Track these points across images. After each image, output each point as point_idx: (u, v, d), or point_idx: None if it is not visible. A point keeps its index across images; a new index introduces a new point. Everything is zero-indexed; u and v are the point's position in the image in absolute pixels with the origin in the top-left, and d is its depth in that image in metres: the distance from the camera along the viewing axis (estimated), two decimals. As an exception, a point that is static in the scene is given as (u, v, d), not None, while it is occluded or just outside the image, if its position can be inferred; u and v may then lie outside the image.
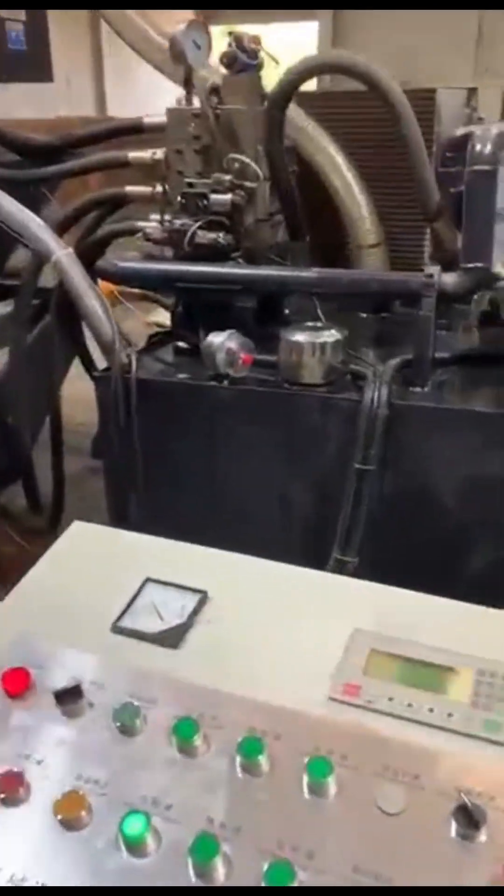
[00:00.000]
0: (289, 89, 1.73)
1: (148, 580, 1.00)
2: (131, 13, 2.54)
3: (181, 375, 1.87)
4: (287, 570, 1.03)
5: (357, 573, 1.65)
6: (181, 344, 2.05)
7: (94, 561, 1.07)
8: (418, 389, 1.72)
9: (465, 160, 2.01)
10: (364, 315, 2.18)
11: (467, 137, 1.94)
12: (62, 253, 1.82)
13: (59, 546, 1.09)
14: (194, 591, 0.98)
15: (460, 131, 1.98)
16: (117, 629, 0.95)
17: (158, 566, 1.03)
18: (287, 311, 2.11)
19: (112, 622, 0.95)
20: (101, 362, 2.03)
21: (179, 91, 1.96)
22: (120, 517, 1.97)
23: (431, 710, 0.81)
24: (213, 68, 1.97)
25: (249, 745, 0.78)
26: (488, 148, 1.58)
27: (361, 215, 2.26)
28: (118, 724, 0.82)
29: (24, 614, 0.99)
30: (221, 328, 1.84)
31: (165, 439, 1.86)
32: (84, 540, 1.11)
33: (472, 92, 2.30)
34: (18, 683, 0.87)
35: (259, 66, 1.87)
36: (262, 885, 0.67)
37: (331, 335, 1.70)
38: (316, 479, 1.76)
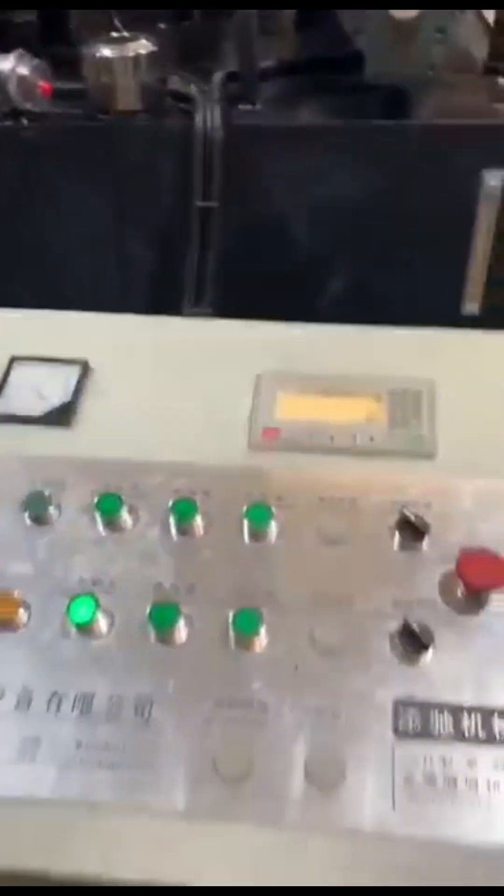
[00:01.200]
0: None
1: (14, 359, 0.87)
2: None
3: (-32, 117, 1.54)
4: (168, 322, 0.94)
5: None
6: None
7: None
8: (249, 107, 1.54)
9: None
10: (163, 26, 1.87)
11: None
12: None
13: None
14: (72, 362, 0.87)
15: None
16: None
17: (17, 342, 0.89)
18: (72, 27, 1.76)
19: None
20: None
21: None
22: None
23: (354, 438, 0.80)
24: None
25: (181, 507, 0.74)
26: None
27: None
28: (29, 514, 0.75)
29: None
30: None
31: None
32: None
33: None
34: None
35: None
36: (231, 634, 0.66)
37: (143, 46, 1.44)
38: (152, 227, 1.58)
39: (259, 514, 0.73)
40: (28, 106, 1.48)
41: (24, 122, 1.50)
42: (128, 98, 1.48)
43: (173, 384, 0.86)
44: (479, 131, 1.47)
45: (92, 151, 1.53)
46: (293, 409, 0.82)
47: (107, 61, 1.44)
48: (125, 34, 1.51)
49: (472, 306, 1.57)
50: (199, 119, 1.45)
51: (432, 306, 1.58)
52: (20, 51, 1.46)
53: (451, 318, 1.60)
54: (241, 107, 1.55)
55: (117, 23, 1.62)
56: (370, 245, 1.62)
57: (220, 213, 1.53)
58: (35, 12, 1.59)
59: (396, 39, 1.43)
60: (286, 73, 1.68)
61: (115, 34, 1.52)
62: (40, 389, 0.84)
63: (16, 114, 1.50)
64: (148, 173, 1.55)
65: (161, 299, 1.68)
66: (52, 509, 0.75)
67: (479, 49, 1.64)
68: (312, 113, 1.60)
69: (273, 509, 0.73)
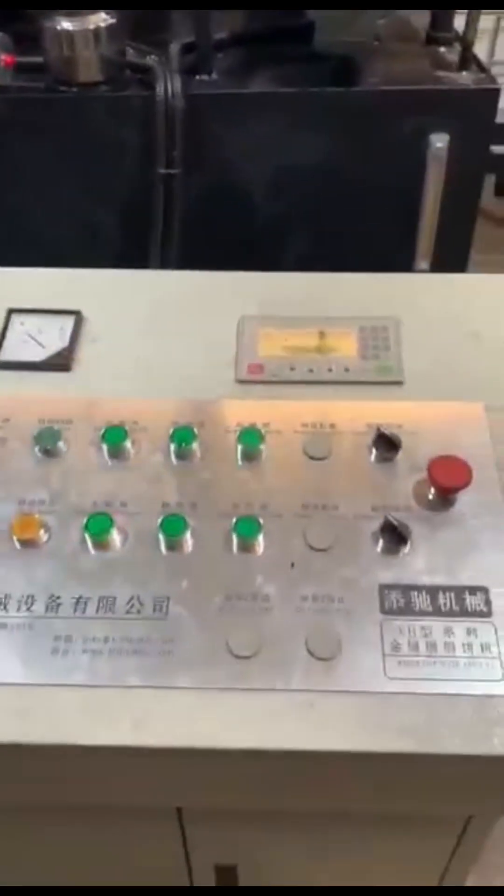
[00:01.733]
0: None
1: (11, 311, 0.93)
2: None
3: None
4: (154, 275, 1.01)
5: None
6: None
7: None
8: (206, 77, 1.60)
9: None
10: None
11: None
12: None
13: None
14: (66, 312, 0.93)
15: None
16: (0, 365, 0.89)
17: (15, 295, 0.95)
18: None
19: (-10, 375, 0.89)
20: None
21: None
22: None
23: (330, 370, 0.89)
24: None
25: (180, 434, 0.81)
26: None
27: None
28: (41, 448, 0.81)
29: None
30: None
31: None
32: None
33: None
34: None
35: None
36: (233, 541, 0.75)
37: (102, 18, 1.48)
38: (116, 193, 1.64)
39: (250, 438, 0.81)
40: (-9, 79, 1.52)
41: (-13, 94, 1.54)
42: (89, 70, 1.53)
43: (163, 331, 0.93)
44: (424, 96, 1.56)
45: (55, 123, 1.57)
46: (274, 347, 0.91)
47: (68, 34, 1.48)
48: (81, 9, 1.56)
49: (423, 263, 1.67)
50: (159, 89, 1.50)
51: (385, 265, 1.68)
52: (-18, 25, 1.50)
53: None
54: (198, 77, 1.61)
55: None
56: (325, 207, 1.70)
57: (181, 180, 1.60)
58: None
59: (344, 11, 1.51)
60: (240, 44, 1.75)
61: (74, 9, 1.56)
62: (38, 338, 0.91)
63: (-23, 87, 1.54)
64: (110, 143, 1.60)
65: (127, 264, 1.73)
66: (61, 443, 0.82)
67: (421, 20, 1.73)
68: (266, 82, 1.66)
69: (262, 433, 0.81)
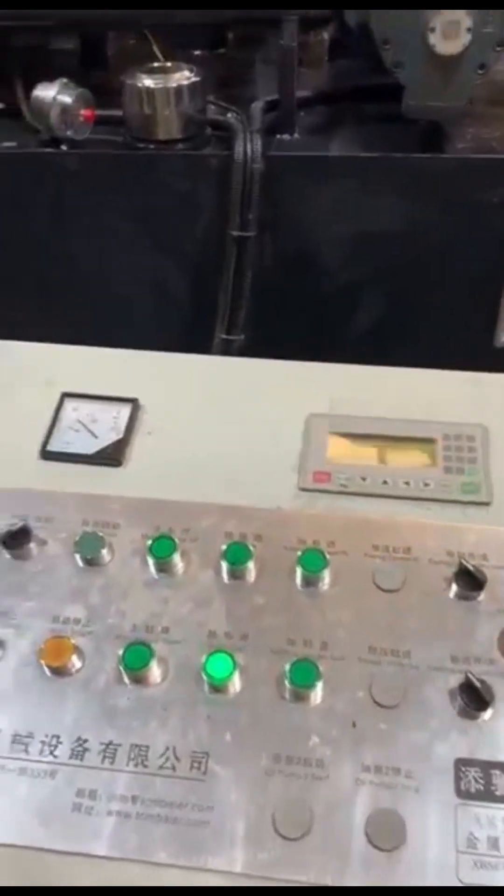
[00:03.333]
0: None
1: (65, 396, 0.87)
2: None
3: (6, 144, 1.55)
4: (216, 362, 0.94)
5: (244, 351, 1.59)
6: (-8, 103, 1.69)
7: (-9, 382, 0.91)
8: (287, 137, 1.55)
9: None
10: (197, 52, 1.89)
11: None
12: None
13: None
14: (123, 399, 0.87)
15: None
16: (48, 455, 0.83)
17: (69, 378, 0.90)
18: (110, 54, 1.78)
19: (39, 448, 0.83)
20: None
21: None
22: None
23: (407, 483, 0.79)
24: None
25: (235, 552, 0.73)
26: None
27: None
28: (82, 556, 0.74)
29: None
30: (41, 78, 1.52)
31: (3, 222, 1.59)
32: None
33: None
34: None
35: None
36: (287, 687, 0.65)
37: (185, 77, 1.45)
38: (188, 253, 1.59)
39: (312, 561, 0.72)
40: (69, 133, 1.50)
41: (64, 148, 1.52)
42: (168, 127, 1.49)
43: (223, 424, 0.86)
44: (514, 166, 1.47)
45: (130, 179, 1.53)
46: (344, 452, 0.82)
47: (149, 91, 1.45)
48: (167, 64, 1.53)
49: (504, 338, 1.57)
50: (238, 150, 1.45)
51: (463, 338, 1.58)
52: (64, 80, 1.47)
53: (482, 350, 1.60)
54: (279, 136, 1.56)
55: (157, 51, 1.64)
56: (403, 275, 1.62)
57: (255, 242, 1.54)
58: (77, 40, 1.61)
59: (437, 74, 1.43)
60: (323, 103, 1.69)
61: (156, 64, 1.53)
62: (92, 427, 0.84)
63: (56, 141, 1.52)
64: (184, 201, 1.55)
65: (194, 325, 1.69)
66: (104, 551, 0.74)
67: (517, 83, 1.65)
68: (349, 143, 1.60)
69: (326, 555, 0.72)
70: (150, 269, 1.61)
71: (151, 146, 1.49)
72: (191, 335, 1.66)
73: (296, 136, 1.55)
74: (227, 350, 1.62)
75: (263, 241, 1.52)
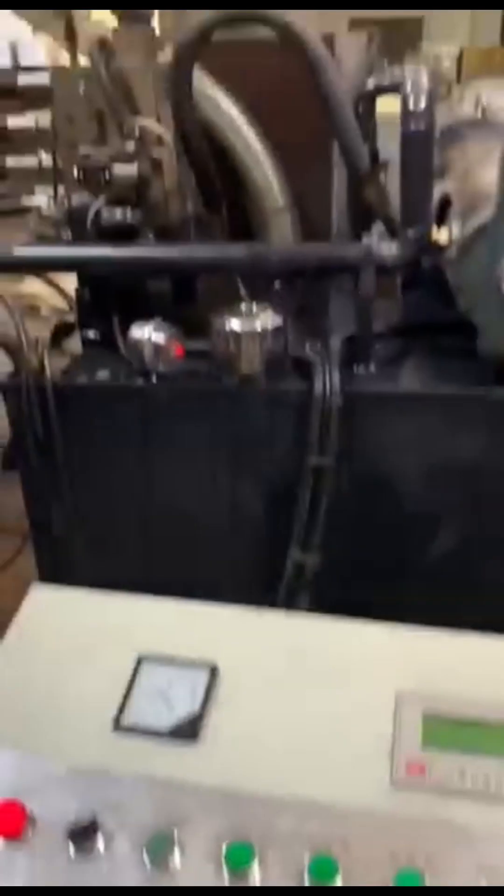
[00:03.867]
0: (200, 39, 1.52)
1: (142, 659, 0.84)
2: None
3: (101, 374, 1.66)
4: (298, 623, 0.90)
5: (318, 577, 1.56)
6: (90, 334, 1.83)
7: (69, 637, 0.89)
8: (363, 370, 1.61)
9: (376, 113, 1.91)
10: (278, 286, 2.03)
11: (379, 90, 1.81)
12: None
13: (20, 623, 0.91)
14: (201, 665, 0.83)
15: (371, 82, 1.84)
16: (120, 728, 0.79)
17: (148, 635, 0.87)
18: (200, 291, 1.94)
19: (112, 718, 0.79)
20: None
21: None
22: (43, 530, 1.77)
23: (513, 783, 0.71)
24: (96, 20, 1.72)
25: (320, 867, 0.66)
26: (422, 103, 1.45)
27: (266, 178, 2.10)
28: (151, 858, 0.68)
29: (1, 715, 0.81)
30: (134, 313, 1.65)
31: (90, 447, 1.66)
32: (50, 609, 0.93)
33: (371, 37, 2.16)
34: (13, 823, 0.70)
35: (150, 16, 1.64)
36: None
37: (271, 320, 1.54)
38: (265, 478, 1.62)
39: (409, 881, 0.64)
40: (160, 367, 1.59)
41: (154, 380, 1.61)
42: (251, 364, 1.56)
43: (307, 698, 0.80)
44: None
45: (215, 410, 1.60)
46: (441, 739, 0.75)
47: (235, 333, 1.55)
48: (252, 305, 1.63)
49: None
50: (317, 385, 1.50)
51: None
52: (158, 320, 1.59)
53: None
54: (356, 369, 1.62)
55: (242, 290, 1.77)
56: (481, 509, 1.59)
57: (332, 471, 1.55)
58: (169, 282, 1.76)
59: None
60: (397, 335, 1.77)
61: (242, 305, 1.64)
62: (168, 695, 0.81)
63: (147, 373, 1.61)
64: (265, 431, 1.60)
65: (270, 546, 1.69)
66: (175, 854, 0.68)
67: None
68: (424, 376, 1.65)
69: (425, 877, 0.64)
70: (229, 492, 1.64)
71: (235, 380, 1.56)
72: (264, 555, 1.65)
73: (372, 368, 1.61)
74: (301, 571, 1.60)
75: (341, 470, 1.53)
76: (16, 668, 0.85)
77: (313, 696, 0.81)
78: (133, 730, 0.78)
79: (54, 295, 3.44)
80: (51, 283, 2.77)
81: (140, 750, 0.77)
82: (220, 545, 1.70)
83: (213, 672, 0.83)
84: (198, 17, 1.53)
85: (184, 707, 0.80)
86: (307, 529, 1.57)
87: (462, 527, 1.55)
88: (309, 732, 0.77)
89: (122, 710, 0.80)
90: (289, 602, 1.65)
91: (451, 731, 0.76)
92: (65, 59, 1.72)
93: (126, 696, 0.81)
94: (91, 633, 0.88)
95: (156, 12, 1.66)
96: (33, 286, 3.60)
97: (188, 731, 0.78)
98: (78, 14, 1.62)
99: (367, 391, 1.52)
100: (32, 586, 0.94)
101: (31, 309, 4.61)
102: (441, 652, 0.84)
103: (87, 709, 0.80)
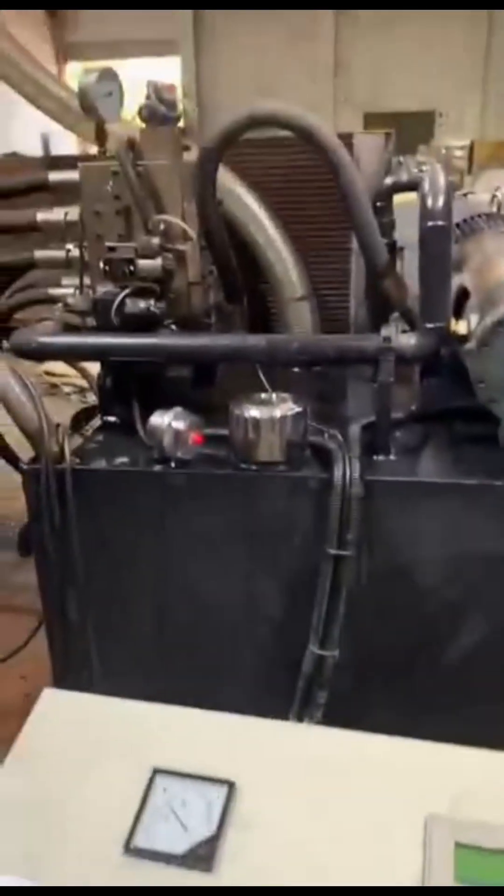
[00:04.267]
0: (224, 142, 1.58)
1: (156, 772, 0.81)
2: (16, 53, 2.32)
3: (121, 460, 1.66)
4: (319, 736, 0.87)
5: (337, 670, 1.52)
6: (110, 419, 1.85)
7: (81, 746, 0.86)
8: (382, 457, 1.60)
9: (394, 210, 1.96)
10: (297, 371, 2.05)
11: (397, 188, 1.87)
12: (-28, 334, 1.59)
13: (30, 731, 0.88)
14: (218, 781, 0.79)
15: (389, 181, 1.90)
16: (132, 850, 0.75)
17: (163, 746, 0.84)
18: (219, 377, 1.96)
19: (123, 838, 0.75)
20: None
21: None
22: (57, 614, 1.74)
23: (552, 926, 0.66)
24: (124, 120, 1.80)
25: None
26: (440, 201, 1.49)
27: (286, 268, 2.17)
28: None
29: (5, 835, 0.77)
30: (154, 399, 1.66)
31: (107, 531, 1.65)
32: (61, 716, 0.90)
33: (388, 136, 2.24)
34: None
35: (178, 118, 1.72)
36: None
37: (290, 409, 1.54)
38: (283, 566, 1.59)
39: None
40: (178, 454, 1.59)
41: (173, 465, 1.61)
42: (270, 452, 1.55)
43: (329, 820, 0.76)
44: None
45: (232, 497, 1.58)
46: (475, 870, 0.70)
47: (255, 421, 1.55)
48: (272, 395, 1.64)
49: None
50: (337, 474, 1.49)
51: None
52: (179, 409, 1.59)
53: None
54: (376, 457, 1.61)
55: (263, 379, 1.78)
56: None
57: (352, 561, 1.52)
58: (190, 368, 1.78)
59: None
60: (418, 422, 1.77)
61: (262, 395, 1.65)
62: (182, 814, 0.77)
63: (165, 458, 1.61)
64: (283, 518, 1.57)
65: (286, 637, 1.64)
66: None
67: None
68: (444, 463, 1.63)
69: None
70: (245, 580, 1.61)
71: (254, 467, 1.56)
72: (281, 646, 1.61)
73: (391, 456, 1.60)
74: (320, 665, 1.55)
75: (360, 560, 1.51)
76: (25, 779, 0.81)
77: (336, 818, 0.76)
78: (144, 854, 0.74)
79: (74, 372, 3.49)
80: (73, 365, 2.82)
81: (149, 875, 0.72)
82: (235, 634, 1.65)
83: (231, 789, 0.79)
84: (221, 121, 1.60)
85: (199, 827, 0.76)
86: (326, 622, 1.53)
87: (485, 619, 1.50)
88: (332, 860, 0.73)
89: (133, 829, 0.76)
90: (306, 696, 1.60)
91: (485, 862, 0.71)
92: (94, 150, 1.79)
93: (139, 814, 0.77)
94: (104, 742, 0.85)
95: (181, 115, 1.72)
96: (56, 366, 3.66)
97: (203, 858, 0.74)
98: (107, 115, 1.69)
99: (387, 480, 1.51)
100: (44, 692, 0.91)
101: (52, 387, 4.69)
102: (471, 771, 0.80)
103: (97, 826, 0.76)
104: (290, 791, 0.79)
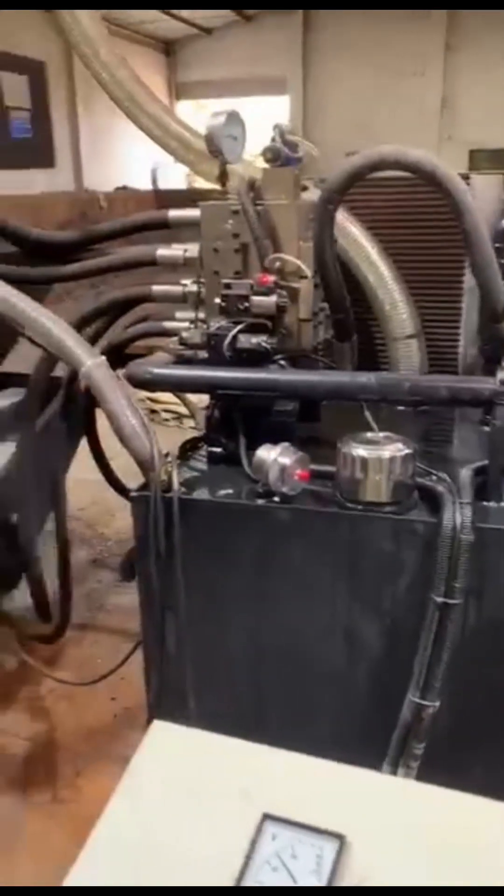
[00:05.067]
0: (347, 184, 1.60)
1: (266, 818, 0.80)
2: (144, 95, 2.42)
3: (225, 492, 1.68)
4: (430, 796, 0.83)
5: (437, 721, 1.47)
6: (215, 450, 1.87)
7: (189, 782, 0.86)
8: (494, 504, 1.55)
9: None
10: (403, 409, 2.03)
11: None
12: (93, 363, 1.64)
13: (139, 764, 0.88)
14: (328, 834, 0.78)
15: (505, 222, 1.88)
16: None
17: (270, 791, 0.83)
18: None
19: (232, 886, 0.74)
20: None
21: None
22: (155, 644, 1.76)
23: None
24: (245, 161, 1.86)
25: None
26: None
27: (396, 306, 2.15)
28: None
29: (111, 873, 0.77)
30: (259, 433, 1.68)
31: (208, 563, 1.67)
32: (170, 749, 0.90)
33: (505, 178, 2.22)
34: None
35: (300, 159, 1.75)
36: None
37: (399, 449, 1.52)
38: (385, 610, 1.56)
39: None
40: (283, 489, 1.59)
41: (276, 500, 1.61)
42: (377, 491, 1.54)
43: (441, 884, 0.73)
44: None
45: (337, 536, 1.57)
46: None
47: (363, 460, 1.54)
48: (380, 435, 1.62)
49: None
50: (446, 519, 1.46)
51: None
52: (286, 444, 1.60)
53: None
54: (487, 502, 1.56)
55: (370, 418, 1.76)
56: None
57: (459, 611, 1.48)
58: (296, 403, 1.79)
59: None
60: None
61: (369, 434, 1.64)
62: (290, 865, 0.75)
63: (269, 494, 1.62)
64: (388, 562, 1.55)
65: (384, 683, 1.60)
66: None
67: None
68: None
69: None
70: (345, 621, 1.59)
71: (360, 507, 1.54)
72: (378, 691, 1.57)
73: (502, 503, 1.55)
74: (419, 714, 1.50)
75: (468, 609, 1.46)
76: (133, 816, 0.82)
77: (449, 882, 0.73)
78: (253, 901, 0.73)
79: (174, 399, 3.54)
80: (176, 395, 2.89)
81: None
82: (331, 676, 1.63)
83: (343, 844, 0.77)
84: (342, 162, 1.62)
85: (309, 880, 0.74)
86: (428, 670, 1.48)
87: None
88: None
89: (242, 876, 0.75)
90: (402, 745, 1.55)
91: None
92: (200, 183, 1.86)
93: (247, 861, 0.76)
94: (212, 781, 0.84)
95: (302, 158, 1.75)
96: (159, 394, 3.74)
97: (313, 910, 0.72)
98: (231, 157, 1.74)
99: (500, 528, 1.46)
100: (154, 724, 0.92)
101: (151, 412, 4.83)
102: None
103: (204, 870, 0.76)
104: (403, 850, 0.77)
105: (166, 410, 5.09)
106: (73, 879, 0.76)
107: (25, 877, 1.85)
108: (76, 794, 2.13)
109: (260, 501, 1.61)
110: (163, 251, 1.90)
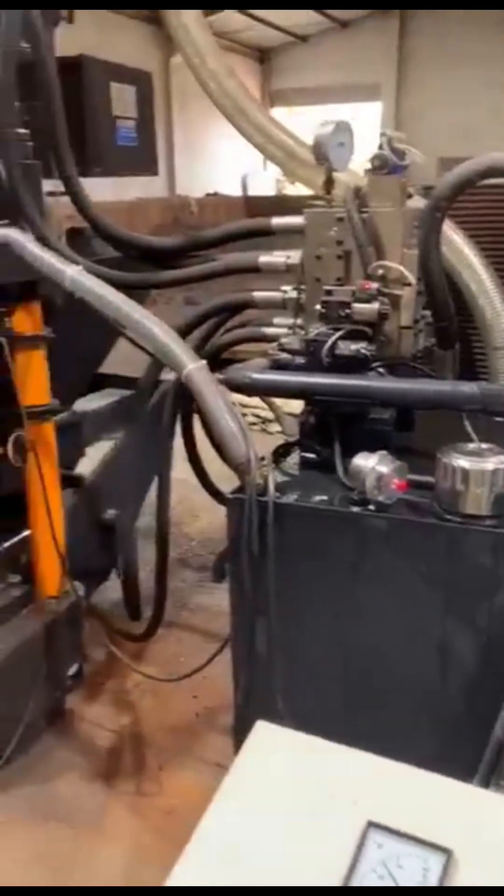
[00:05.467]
0: (456, 191, 1.58)
1: (371, 826, 0.80)
2: (251, 105, 2.45)
3: (319, 498, 1.68)
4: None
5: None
6: (308, 455, 1.88)
7: (292, 786, 0.87)
8: None
9: None
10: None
11: None
12: (194, 367, 1.68)
13: (243, 763, 0.90)
14: (434, 847, 0.77)
15: None
16: (346, 903, 0.74)
17: (374, 799, 0.83)
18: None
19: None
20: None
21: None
22: (244, 645, 1.78)
23: None
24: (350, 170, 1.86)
25: None
26: None
27: (498, 315, 2.11)
28: None
29: (216, 873, 0.78)
30: (354, 440, 1.67)
31: (300, 567, 1.67)
32: (272, 752, 0.91)
33: None
34: None
35: (406, 167, 1.74)
36: None
37: (502, 461, 1.49)
38: (480, 623, 1.53)
39: None
40: (380, 497, 1.58)
41: (371, 509, 1.60)
42: (477, 504, 1.51)
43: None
44: None
45: (433, 547, 1.55)
46: None
47: (464, 471, 1.51)
48: (482, 446, 1.59)
49: None
50: (548, 536, 1.42)
51: None
52: (384, 452, 1.59)
53: None
54: None
55: (469, 428, 1.72)
56: None
57: None
58: (393, 410, 1.77)
59: None
60: None
61: (471, 445, 1.60)
62: (396, 874, 0.75)
63: (364, 502, 1.61)
64: (485, 575, 1.52)
65: (478, 699, 1.57)
66: None
67: None
68: None
69: None
70: (440, 638, 1.56)
71: (458, 519, 1.52)
72: (473, 711, 1.54)
73: None
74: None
75: None
76: (237, 816, 0.83)
77: None
78: (360, 908, 0.73)
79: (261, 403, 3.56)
80: (264, 399, 2.91)
81: (366, 934, 0.71)
82: (422, 688, 1.60)
83: (450, 858, 0.76)
84: (452, 171, 1.60)
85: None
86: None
87: None
88: None
89: (346, 883, 0.75)
90: (494, 762, 1.51)
91: None
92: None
93: (352, 868, 0.76)
94: (315, 785, 0.85)
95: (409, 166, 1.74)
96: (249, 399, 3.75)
97: (419, 924, 0.72)
98: (338, 164, 1.75)
99: None
100: (257, 724, 0.93)
101: (241, 416, 4.79)
102: None
103: (308, 876, 0.76)
104: (510, 871, 0.75)
105: (253, 415, 5.12)
106: (176, 878, 0.78)
107: (105, 863, 1.90)
108: (158, 788, 2.17)
109: (355, 509, 1.61)
110: (265, 258, 1.92)
